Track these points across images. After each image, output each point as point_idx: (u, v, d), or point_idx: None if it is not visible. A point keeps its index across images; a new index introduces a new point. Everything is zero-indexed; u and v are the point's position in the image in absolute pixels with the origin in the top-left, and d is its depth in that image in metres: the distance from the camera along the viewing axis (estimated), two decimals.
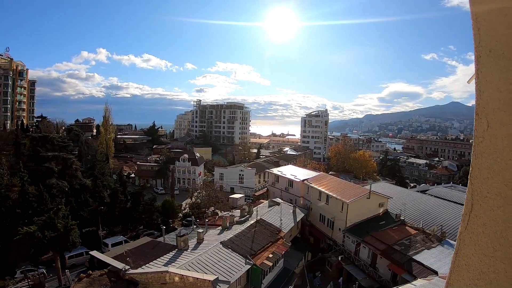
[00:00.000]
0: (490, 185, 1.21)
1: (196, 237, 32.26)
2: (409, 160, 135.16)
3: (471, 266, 1.28)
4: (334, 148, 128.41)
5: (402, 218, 42.10)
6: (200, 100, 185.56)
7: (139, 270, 25.30)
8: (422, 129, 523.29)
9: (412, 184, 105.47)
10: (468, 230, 1.31)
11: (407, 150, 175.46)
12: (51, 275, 36.76)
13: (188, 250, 29.37)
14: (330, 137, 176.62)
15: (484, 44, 1.19)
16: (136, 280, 24.40)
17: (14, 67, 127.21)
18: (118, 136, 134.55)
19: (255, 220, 38.25)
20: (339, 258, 40.51)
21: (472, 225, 1.30)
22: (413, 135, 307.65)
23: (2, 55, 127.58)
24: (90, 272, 26.72)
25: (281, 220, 40.36)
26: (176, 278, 23.75)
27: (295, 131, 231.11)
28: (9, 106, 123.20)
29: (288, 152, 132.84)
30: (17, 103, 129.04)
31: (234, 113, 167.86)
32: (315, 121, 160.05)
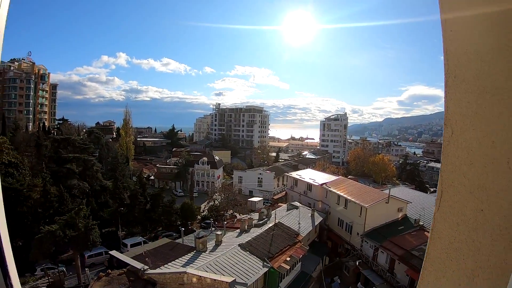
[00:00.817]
0: (454, 177, 1.64)
1: (215, 239, 32.63)
2: (429, 164, 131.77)
3: (442, 238, 1.70)
4: (353, 152, 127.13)
5: (421, 223, 41.49)
6: (219, 104, 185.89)
7: (158, 271, 25.68)
8: (443, 133, 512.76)
9: (432, 189, 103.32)
10: (440, 211, 1.72)
11: (427, 154, 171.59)
12: (70, 273, 37.58)
13: (206, 252, 29.74)
14: (349, 141, 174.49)
15: (450, 71, 1.64)
16: (154, 280, 24.75)
17: (36, 71, 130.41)
18: (138, 139, 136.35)
19: (273, 223, 38.42)
20: (357, 263, 40.33)
21: (442, 207, 1.70)
22: (434, 139, 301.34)
23: (24, 59, 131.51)
24: (109, 271, 27.28)
25: (299, 223, 40.42)
26: (194, 279, 23.99)
27: (314, 135, 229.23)
28: (31, 108, 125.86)
29: (307, 156, 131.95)
30: (39, 106, 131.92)
31: (253, 117, 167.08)
32: (334, 125, 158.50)
